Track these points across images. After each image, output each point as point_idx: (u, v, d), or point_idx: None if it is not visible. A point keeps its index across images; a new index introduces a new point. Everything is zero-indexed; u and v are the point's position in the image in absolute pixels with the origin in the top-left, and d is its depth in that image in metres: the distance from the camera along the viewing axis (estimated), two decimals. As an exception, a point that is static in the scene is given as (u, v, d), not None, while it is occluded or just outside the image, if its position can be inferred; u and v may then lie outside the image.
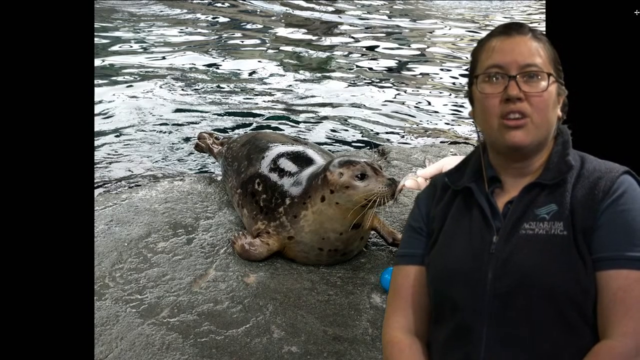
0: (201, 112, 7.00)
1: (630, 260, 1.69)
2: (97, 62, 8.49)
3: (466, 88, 1.96)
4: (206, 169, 5.32)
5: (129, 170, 5.20)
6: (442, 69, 9.09)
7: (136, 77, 8.22)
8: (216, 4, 13.20)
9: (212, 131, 5.19)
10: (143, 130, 6.44)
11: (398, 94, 7.94)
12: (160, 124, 6.62)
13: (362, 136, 6.53)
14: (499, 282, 1.74)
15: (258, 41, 10.54)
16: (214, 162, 4.92)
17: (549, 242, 1.73)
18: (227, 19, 12.09)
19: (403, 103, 7.59)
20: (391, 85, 8.34)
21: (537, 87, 1.78)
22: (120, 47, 9.73)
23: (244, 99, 7.54)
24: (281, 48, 10.02)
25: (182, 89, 7.76)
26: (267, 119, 6.89)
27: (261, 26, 11.63)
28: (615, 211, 1.72)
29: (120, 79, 8.12)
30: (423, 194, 2.03)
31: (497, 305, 1.73)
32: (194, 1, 13.39)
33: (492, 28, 1.92)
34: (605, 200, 1.74)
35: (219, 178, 4.39)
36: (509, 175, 1.87)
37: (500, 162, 1.88)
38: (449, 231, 1.88)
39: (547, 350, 1.69)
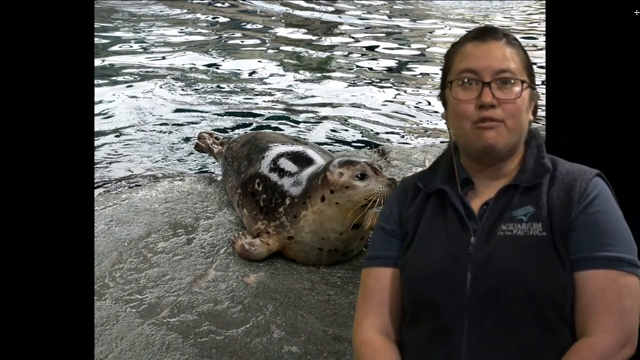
0: (201, 112, 6.99)
1: (607, 260, 1.72)
2: (97, 62, 8.48)
3: (439, 90, 1.97)
4: (206, 169, 5.32)
5: (129, 170, 5.21)
6: (442, 69, 9.07)
7: (136, 77, 8.22)
8: (216, 4, 13.19)
9: (212, 131, 5.19)
10: (143, 130, 6.44)
11: (398, 94, 7.93)
12: (160, 124, 6.61)
13: (362, 136, 6.52)
14: (479, 283, 1.75)
15: (258, 41, 10.54)
16: (214, 162, 4.92)
17: (529, 243, 1.74)
18: (227, 19, 12.08)
19: (403, 103, 7.58)
20: (391, 85, 8.33)
21: (511, 93, 1.80)
22: (120, 47, 9.72)
23: (244, 99, 7.54)
24: (281, 48, 10.02)
25: (182, 89, 7.76)
26: (267, 119, 6.88)
27: (261, 26, 11.63)
28: (592, 212, 1.75)
29: (120, 79, 8.12)
30: (393, 196, 2.03)
31: (477, 305, 1.74)
32: (194, 1, 13.38)
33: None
34: (582, 201, 1.76)
35: (219, 178, 4.39)
36: (481, 178, 1.88)
37: (472, 165, 1.89)
38: (424, 233, 1.88)
39: (527, 350, 1.71)
